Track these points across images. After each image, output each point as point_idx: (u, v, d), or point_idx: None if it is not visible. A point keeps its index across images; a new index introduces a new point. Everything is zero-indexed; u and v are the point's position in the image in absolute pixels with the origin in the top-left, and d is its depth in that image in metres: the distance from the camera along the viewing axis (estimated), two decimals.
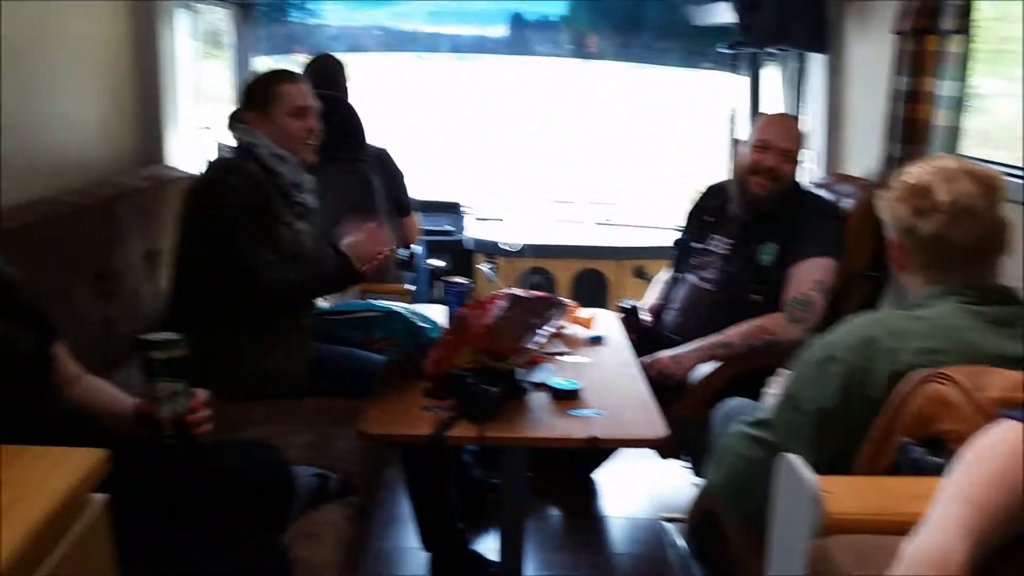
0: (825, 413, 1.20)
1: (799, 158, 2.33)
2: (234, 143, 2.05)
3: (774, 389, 1.55)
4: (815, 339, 1.29)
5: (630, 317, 2.36)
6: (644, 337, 2.32)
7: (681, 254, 2.49)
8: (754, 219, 2.30)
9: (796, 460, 0.99)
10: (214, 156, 2.17)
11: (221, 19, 3.28)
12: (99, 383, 1.46)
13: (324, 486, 1.71)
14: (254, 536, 1.38)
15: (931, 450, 1.04)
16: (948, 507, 0.80)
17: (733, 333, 2.19)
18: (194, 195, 2.01)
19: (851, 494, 0.96)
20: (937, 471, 0.91)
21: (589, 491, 2.65)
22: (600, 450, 2.53)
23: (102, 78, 2.37)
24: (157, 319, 2.29)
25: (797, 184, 2.36)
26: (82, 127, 2.24)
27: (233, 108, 2.15)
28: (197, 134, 2.93)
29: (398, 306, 1.89)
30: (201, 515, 1.24)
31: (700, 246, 2.41)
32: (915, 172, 1.29)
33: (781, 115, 2.50)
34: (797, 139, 2.32)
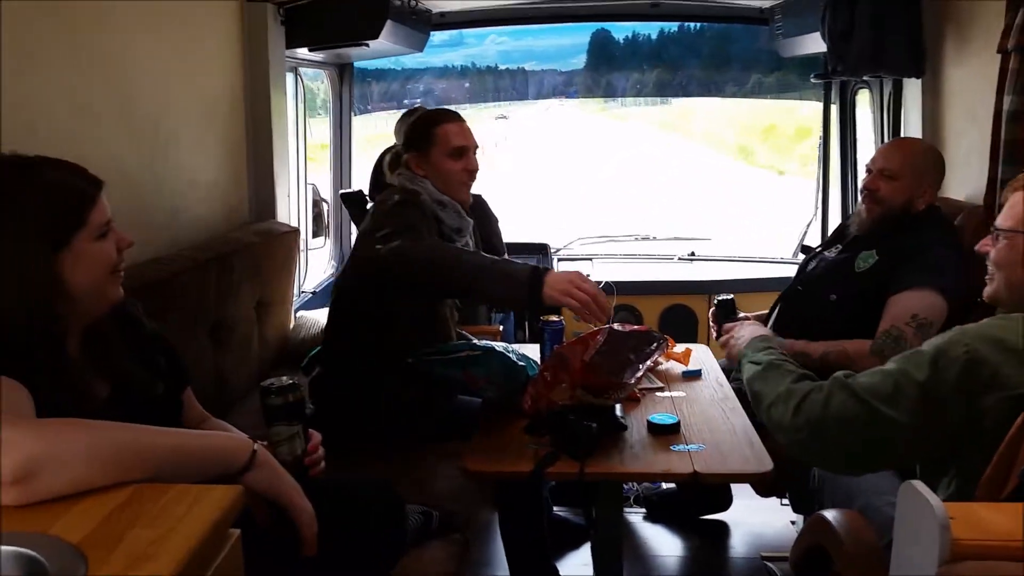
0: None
1: (906, 177, 2.17)
2: (397, 187, 1.98)
3: None
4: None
5: (725, 309, 2.20)
6: None
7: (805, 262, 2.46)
8: (867, 233, 2.22)
9: (921, 485, 0.96)
10: (380, 201, 2.00)
11: (322, 82, 3.50)
12: (223, 426, 1.53)
13: (428, 524, 1.75)
14: (368, 572, 1.41)
15: None
16: None
17: (816, 346, 2.08)
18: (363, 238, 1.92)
19: (976, 520, 0.93)
20: None
21: (698, 533, 2.55)
22: (708, 492, 2.50)
23: (221, 140, 2.54)
24: (264, 366, 2.42)
25: (927, 208, 2.19)
26: (202, 188, 2.40)
27: (394, 150, 2.13)
28: (303, 191, 3.11)
29: (497, 345, 1.92)
30: (319, 552, 1.26)
31: (818, 252, 2.38)
32: None
33: (896, 139, 2.40)
34: (901, 159, 2.18)
